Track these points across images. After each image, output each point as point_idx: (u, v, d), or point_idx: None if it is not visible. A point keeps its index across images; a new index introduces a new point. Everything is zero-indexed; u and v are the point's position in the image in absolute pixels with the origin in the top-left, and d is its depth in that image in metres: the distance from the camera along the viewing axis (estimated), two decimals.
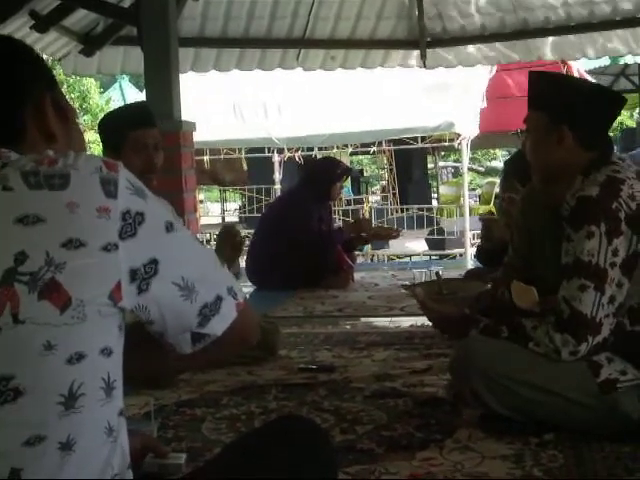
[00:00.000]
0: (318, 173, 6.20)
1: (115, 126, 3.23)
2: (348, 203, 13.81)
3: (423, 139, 11.37)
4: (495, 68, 10.77)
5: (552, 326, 2.33)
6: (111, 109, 16.78)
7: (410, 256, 11.17)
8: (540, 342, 2.35)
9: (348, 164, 13.63)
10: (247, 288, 6.13)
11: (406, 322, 4.55)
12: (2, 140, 1.26)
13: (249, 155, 12.50)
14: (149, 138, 3.19)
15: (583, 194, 2.35)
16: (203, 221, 15.09)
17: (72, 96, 15.19)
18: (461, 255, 10.53)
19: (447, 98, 10.75)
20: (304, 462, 1.42)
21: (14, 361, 1.10)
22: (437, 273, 3.72)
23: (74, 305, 1.12)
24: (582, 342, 2.29)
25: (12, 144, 1.26)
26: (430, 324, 3.11)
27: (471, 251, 9.61)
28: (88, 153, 1.26)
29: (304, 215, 5.93)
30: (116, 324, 1.19)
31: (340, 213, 12.47)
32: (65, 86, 16.00)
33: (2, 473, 1.08)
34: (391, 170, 15.28)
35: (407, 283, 4.61)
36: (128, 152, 3.12)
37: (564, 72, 11.74)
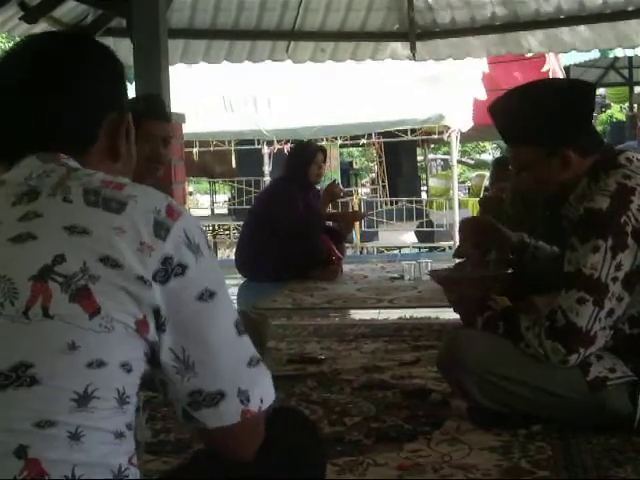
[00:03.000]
0: (292, 158, 6.32)
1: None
2: None
3: (413, 132, 11.38)
4: (486, 61, 10.78)
5: (545, 331, 2.28)
6: None
7: (399, 248, 11.20)
8: (530, 344, 2.32)
9: (338, 156, 13.66)
10: (237, 280, 6.14)
11: (395, 314, 4.56)
12: (68, 145, 1.28)
13: (239, 147, 12.48)
14: (158, 130, 3.23)
15: (593, 206, 2.26)
16: (192, 213, 15.08)
17: None
18: (450, 247, 10.55)
19: (437, 91, 10.76)
20: (291, 453, 1.42)
21: (37, 351, 1.11)
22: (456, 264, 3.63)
23: (103, 315, 1.13)
24: (573, 353, 2.26)
25: (76, 151, 1.28)
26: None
27: None
28: (157, 191, 1.25)
29: (288, 204, 5.95)
30: (142, 348, 1.19)
31: (330, 204, 12.45)
32: None
33: (10, 449, 1.08)
34: (381, 162, 15.28)
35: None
36: (136, 140, 3.17)
37: (551, 64, 11.74)
